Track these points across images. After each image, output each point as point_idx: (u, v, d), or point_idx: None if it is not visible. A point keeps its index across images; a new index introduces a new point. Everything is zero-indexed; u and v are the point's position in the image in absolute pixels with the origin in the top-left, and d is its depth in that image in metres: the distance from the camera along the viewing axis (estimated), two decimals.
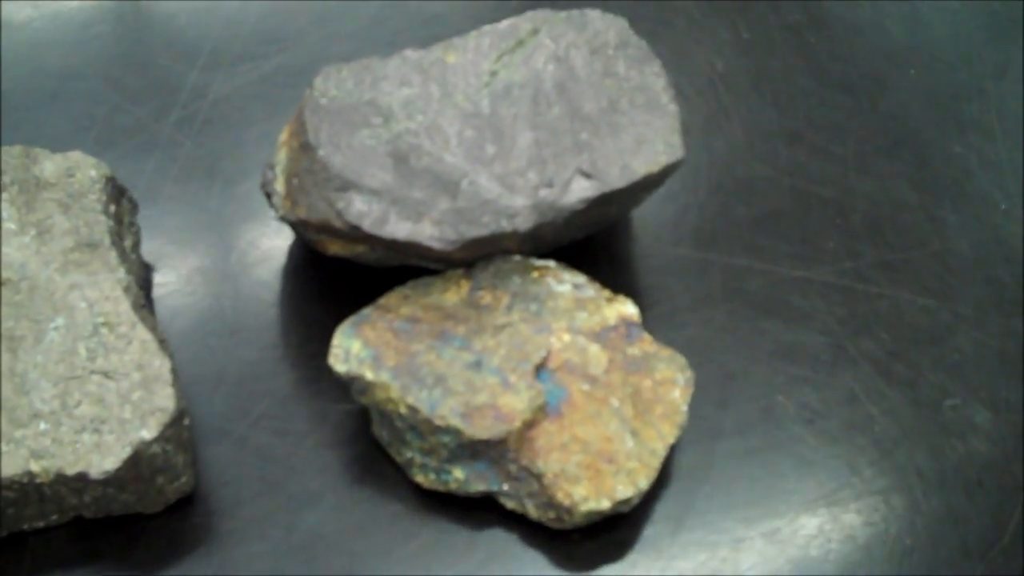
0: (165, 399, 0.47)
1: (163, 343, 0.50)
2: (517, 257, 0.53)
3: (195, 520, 0.49)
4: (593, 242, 0.59)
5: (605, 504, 0.48)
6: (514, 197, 0.52)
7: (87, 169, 0.53)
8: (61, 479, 0.46)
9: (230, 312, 0.56)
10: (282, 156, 0.54)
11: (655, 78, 0.56)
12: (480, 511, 0.50)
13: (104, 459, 0.46)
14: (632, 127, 0.54)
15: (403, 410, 0.48)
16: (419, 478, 0.50)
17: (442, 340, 0.50)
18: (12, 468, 0.45)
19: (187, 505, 0.50)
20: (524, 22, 0.57)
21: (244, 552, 0.49)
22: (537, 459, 0.48)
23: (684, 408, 0.50)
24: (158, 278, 0.57)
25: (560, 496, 0.48)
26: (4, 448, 0.46)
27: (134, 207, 0.56)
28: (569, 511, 0.48)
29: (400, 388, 0.48)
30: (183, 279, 0.57)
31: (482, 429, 0.48)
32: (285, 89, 0.65)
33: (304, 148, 0.52)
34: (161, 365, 0.47)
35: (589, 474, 0.48)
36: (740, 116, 0.65)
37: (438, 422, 0.48)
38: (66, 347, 0.48)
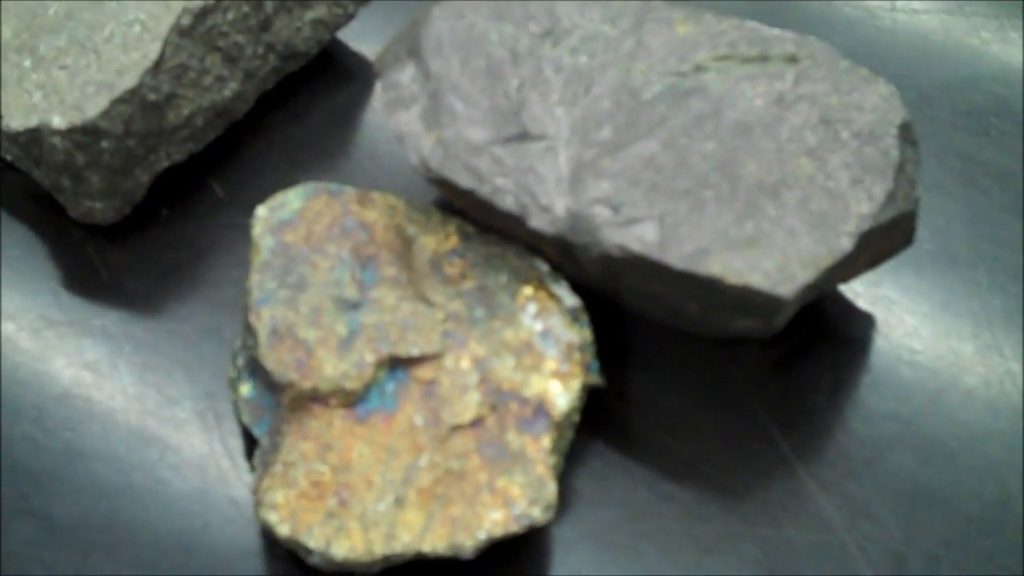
0: (94, 108, 0.43)
1: (160, 67, 0.44)
2: (544, 267, 0.41)
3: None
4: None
5: (284, 531, 0.36)
6: (564, 194, 0.39)
7: None
8: None
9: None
10: None
11: (864, 201, 0.39)
12: None
13: (14, 119, 0.44)
14: (770, 225, 0.38)
15: (247, 281, 0.40)
16: (229, 369, 0.41)
17: (358, 262, 0.40)
18: None
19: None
20: (791, 43, 0.42)
21: None
22: (289, 437, 0.38)
23: (481, 537, 0.36)
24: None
25: (261, 492, 0.37)
26: None
27: None
28: (261, 516, 0.37)
29: (262, 263, 0.40)
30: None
31: (274, 359, 0.38)
32: None
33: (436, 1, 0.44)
34: (125, 82, 0.43)
35: (310, 494, 0.37)
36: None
37: (251, 319, 0.39)
38: (105, 19, 0.45)
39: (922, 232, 0.47)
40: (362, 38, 0.53)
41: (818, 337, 0.44)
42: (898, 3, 0.55)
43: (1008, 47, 0.53)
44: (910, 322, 0.44)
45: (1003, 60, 0.53)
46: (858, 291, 0.45)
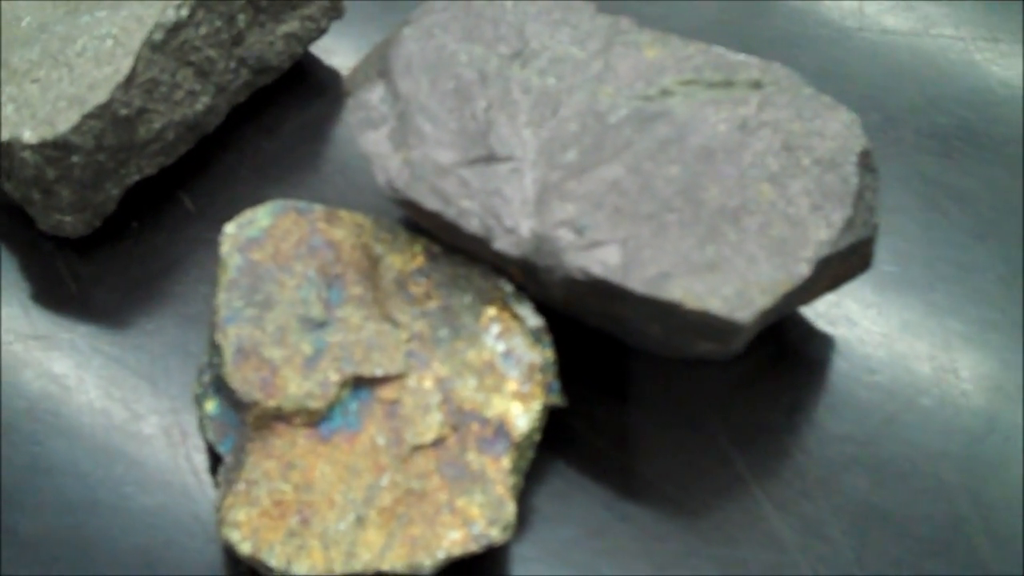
0: (65, 123, 0.43)
1: (131, 82, 0.44)
2: (508, 287, 0.41)
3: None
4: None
5: (245, 549, 0.37)
6: (529, 216, 0.40)
7: None
8: None
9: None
10: None
11: (822, 227, 0.40)
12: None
13: None
14: (731, 250, 0.39)
15: (214, 299, 0.41)
16: (194, 385, 0.42)
17: (324, 281, 0.41)
18: None
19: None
20: (756, 69, 0.43)
21: None
22: (253, 455, 0.38)
23: (440, 556, 0.37)
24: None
25: (224, 510, 0.38)
26: None
27: (334, 11, 0.51)
28: (223, 533, 0.37)
29: (229, 282, 0.41)
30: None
31: (239, 377, 0.39)
32: None
33: (406, 21, 0.44)
34: (97, 97, 0.44)
35: (272, 513, 0.37)
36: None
37: (218, 337, 0.40)
38: (78, 33, 0.46)
39: (883, 254, 0.48)
40: (335, 52, 0.53)
41: (778, 358, 0.45)
42: (865, 24, 0.55)
43: (973, 70, 0.54)
44: (869, 343, 0.45)
45: (968, 83, 0.53)
46: (819, 311, 0.46)
